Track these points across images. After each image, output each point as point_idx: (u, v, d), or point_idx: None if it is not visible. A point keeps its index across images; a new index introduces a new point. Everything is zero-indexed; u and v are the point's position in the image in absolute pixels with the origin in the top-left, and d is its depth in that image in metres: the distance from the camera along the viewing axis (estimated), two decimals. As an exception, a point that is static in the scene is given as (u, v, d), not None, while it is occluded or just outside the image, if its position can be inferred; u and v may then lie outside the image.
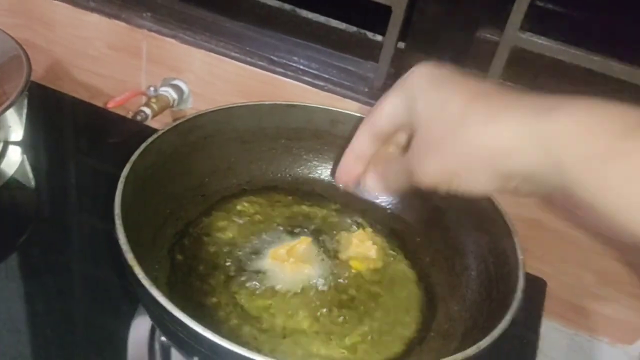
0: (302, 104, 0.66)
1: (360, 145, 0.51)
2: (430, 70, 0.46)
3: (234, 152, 0.64)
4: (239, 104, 0.63)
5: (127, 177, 0.51)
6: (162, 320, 0.44)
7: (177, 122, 0.58)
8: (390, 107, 0.48)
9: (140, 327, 0.61)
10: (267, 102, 0.64)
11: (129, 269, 0.44)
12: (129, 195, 0.51)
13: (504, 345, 0.65)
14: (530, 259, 0.88)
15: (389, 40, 0.82)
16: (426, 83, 0.45)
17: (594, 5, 0.89)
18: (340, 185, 0.54)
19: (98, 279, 0.67)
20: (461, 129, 0.41)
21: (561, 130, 0.37)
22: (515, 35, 0.75)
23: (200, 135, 0.61)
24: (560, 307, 0.90)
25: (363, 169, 0.52)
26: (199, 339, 0.41)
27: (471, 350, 0.43)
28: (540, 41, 0.76)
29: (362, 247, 0.60)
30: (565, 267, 0.87)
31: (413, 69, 0.47)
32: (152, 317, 0.48)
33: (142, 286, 0.42)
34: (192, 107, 0.97)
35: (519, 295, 0.48)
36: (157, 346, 0.59)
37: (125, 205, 0.49)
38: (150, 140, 0.55)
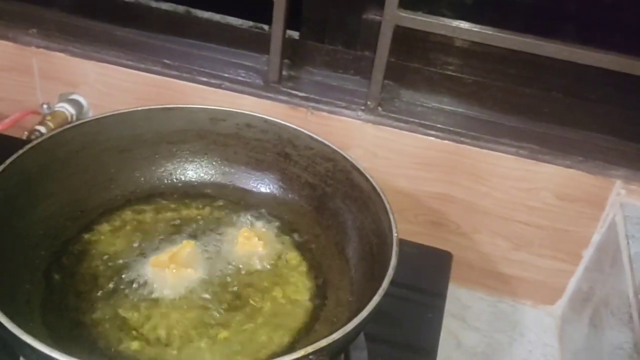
0: (178, 105, 0.65)
1: None
2: None
3: (113, 162, 0.63)
4: (108, 114, 0.61)
5: (-20, 202, 0.49)
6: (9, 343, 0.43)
7: (38, 140, 0.57)
8: None
9: None
10: (140, 108, 0.63)
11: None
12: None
13: (413, 311, 0.66)
14: (444, 232, 0.90)
15: (276, 31, 0.82)
16: None
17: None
18: None
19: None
20: None
21: None
22: (395, 13, 0.75)
23: (71, 149, 0.59)
24: (481, 276, 0.91)
25: None
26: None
27: (336, 335, 0.43)
28: (419, 18, 0.76)
29: (249, 244, 0.59)
30: (479, 237, 0.88)
31: None
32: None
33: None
34: (93, 120, 0.95)
35: (390, 272, 0.48)
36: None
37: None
38: (8, 161, 0.53)
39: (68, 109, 0.92)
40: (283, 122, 0.65)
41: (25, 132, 0.88)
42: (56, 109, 0.91)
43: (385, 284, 0.48)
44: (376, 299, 0.46)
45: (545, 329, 0.88)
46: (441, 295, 0.70)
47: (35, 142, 0.56)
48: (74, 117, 0.93)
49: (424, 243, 0.77)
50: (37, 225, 0.56)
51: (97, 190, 0.62)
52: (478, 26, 0.74)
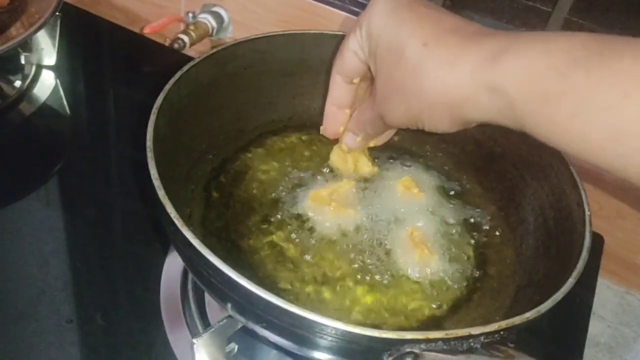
0: (350, 34, 0.60)
1: (337, 93, 0.51)
2: (389, 5, 0.44)
3: (274, 85, 0.60)
4: (280, 32, 0.58)
5: (160, 108, 0.47)
6: (194, 263, 0.41)
7: (214, 50, 0.54)
8: (351, 54, 0.47)
9: (173, 264, 0.59)
10: (311, 31, 0.59)
11: (161, 206, 0.41)
12: (162, 126, 0.47)
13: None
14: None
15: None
16: (385, 20, 0.43)
17: None
18: (330, 137, 0.55)
19: (131, 211, 0.65)
20: (420, 75, 0.41)
21: (511, 74, 0.36)
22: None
23: (239, 65, 0.56)
24: (614, 264, 0.85)
25: (347, 116, 0.52)
26: (233, 285, 0.37)
27: (530, 314, 0.39)
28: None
29: (409, 194, 0.56)
30: (622, 223, 0.81)
31: (371, 2, 0.45)
32: (184, 259, 0.45)
33: (174, 225, 0.39)
34: (231, 36, 0.92)
35: (584, 255, 0.44)
36: (189, 283, 0.57)
37: (158, 138, 0.46)
38: (185, 68, 0.51)
39: (210, 21, 0.89)
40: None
41: (167, 39, 0.87)
42: (199, 19, 0.88)
43: (580, 266, 0.43)
44: (571, 281, 0.42)
45: (676, 330, 0.82)
46: (591, 288, 0.65)
47: (208, 54, 0.53)
48: (215, 31, 0.90)
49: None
50: (200, 138, 0.54)
51: (257, 112, 0.59)
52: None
